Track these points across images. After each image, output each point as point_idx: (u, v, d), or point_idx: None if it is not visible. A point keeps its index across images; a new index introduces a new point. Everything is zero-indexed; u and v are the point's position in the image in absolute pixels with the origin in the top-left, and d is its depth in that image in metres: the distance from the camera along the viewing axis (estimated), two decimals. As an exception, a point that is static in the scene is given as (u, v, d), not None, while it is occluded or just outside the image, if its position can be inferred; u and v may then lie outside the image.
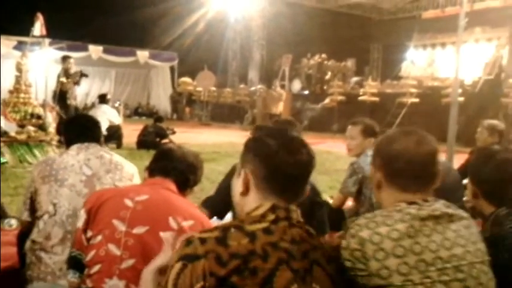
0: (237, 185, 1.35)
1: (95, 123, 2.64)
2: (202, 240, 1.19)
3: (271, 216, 1.26)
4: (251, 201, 1.31)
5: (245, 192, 1.31)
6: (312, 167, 1.34)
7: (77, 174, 2.33)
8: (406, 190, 1.44)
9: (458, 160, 5.27)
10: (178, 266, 1.18)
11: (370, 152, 3.42)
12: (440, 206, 1.43)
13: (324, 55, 19.04)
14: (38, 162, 2.96)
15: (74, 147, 2.44)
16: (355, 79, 18.34)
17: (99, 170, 2.36)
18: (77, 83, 9.83)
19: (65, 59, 9.91)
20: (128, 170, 2.43)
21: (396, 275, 1.31)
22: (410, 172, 1.44)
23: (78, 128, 2.55)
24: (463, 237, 1.39)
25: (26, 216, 2.42)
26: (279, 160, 1.28)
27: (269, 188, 1.29)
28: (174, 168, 1.98)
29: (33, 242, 2.28)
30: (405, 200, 1.42)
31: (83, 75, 9.93)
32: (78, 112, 9.84)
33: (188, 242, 1.20)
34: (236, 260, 1.16)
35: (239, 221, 1.27)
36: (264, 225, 1.24)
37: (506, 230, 1.69)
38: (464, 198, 2.43)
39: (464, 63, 9.13)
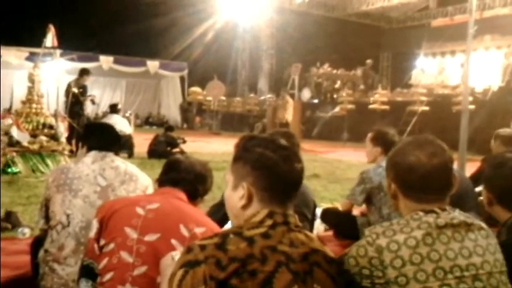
0: (234, 199, 1.35)
1: (115, 133, 2.67)
2: (202, 247, 1.21)
3: (269, 222, 1.28)
4: (250, 210, 1.32)
5: (248, 205, 1.32)
6: (303, 173, 1.38)
7: (91, 184, 2.34)
8: (422, 201, 1.44)
9: (470, 168, 5.23)
10: (180, 273, 1.20)
11: (382, 162, 3.42)
12: (458, 214, 1.42)
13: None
14: (53, 170, 2.97)
15: (91, 155, 2.45)
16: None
17: (113, 181, 2.37)
18: (93, 101, 10.33)
19: (87, 73, 9.87)
20: (142, 182, 2.44)
21: (414, 283, 1.31)
22: (424, 185, 1.43)
23: (99, 135, 2.56)
24: (482, 247, 1.39)
25: (41, 224, 2.44)
26: (280, 171, 1.31)
27: (269, 197, 1.31)
28: (183, 179, 2.00)
29: (46, 252, 2.30)
30: (422, 210, 1.42)
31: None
32: (90, 122, 9.94)
33: (189, 249, 1.23)
34: (235, 264, 1.18)
35: (238, 228, 1.29)
36: (262, 230, 1.26)
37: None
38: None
39: (474, 71, 9.08)
